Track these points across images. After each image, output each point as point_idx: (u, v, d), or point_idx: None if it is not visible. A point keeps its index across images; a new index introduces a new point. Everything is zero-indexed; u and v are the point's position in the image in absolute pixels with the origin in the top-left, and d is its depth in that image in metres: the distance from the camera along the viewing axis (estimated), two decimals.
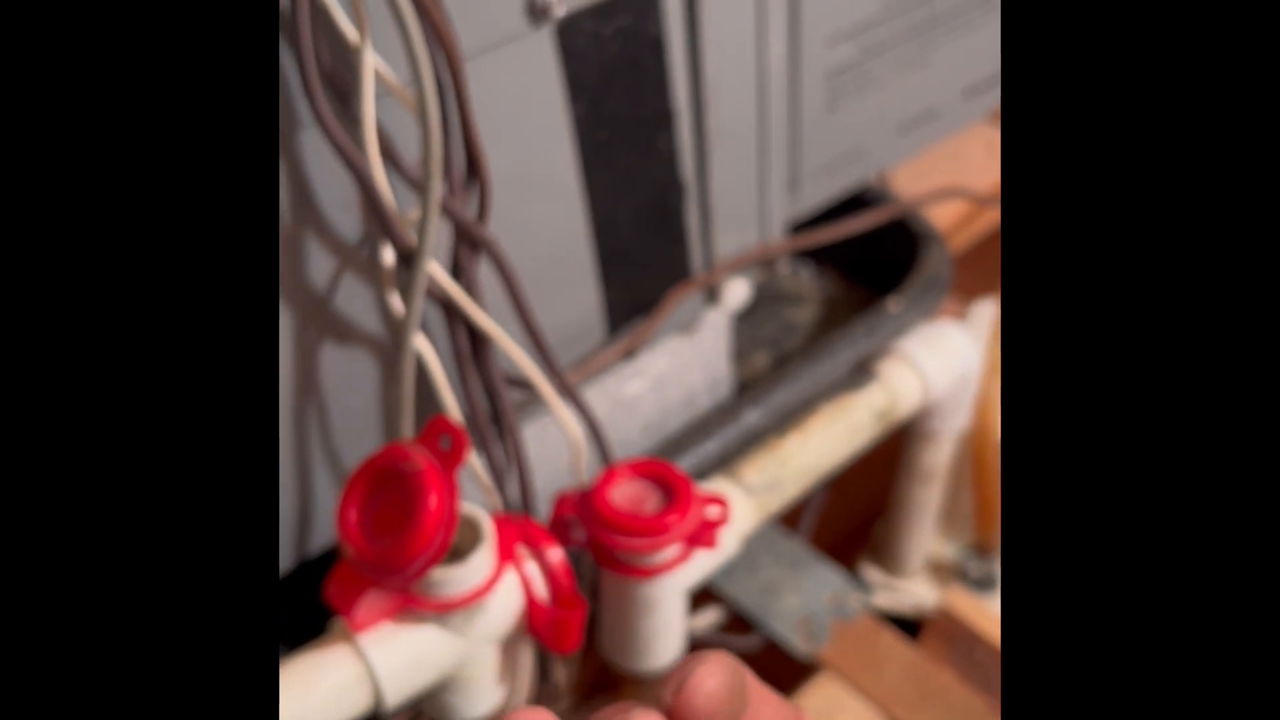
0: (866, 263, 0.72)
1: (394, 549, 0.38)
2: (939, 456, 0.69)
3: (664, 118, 0.50)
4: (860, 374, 0.61)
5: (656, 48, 0.48)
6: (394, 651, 0.41)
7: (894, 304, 0.63)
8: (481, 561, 0.41)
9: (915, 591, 0.75)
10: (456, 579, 0.41)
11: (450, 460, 0.39)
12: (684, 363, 0.60)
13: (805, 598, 0.67)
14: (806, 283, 0.74)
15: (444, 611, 0.42)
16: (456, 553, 0.42)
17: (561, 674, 0.53)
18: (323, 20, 0.37)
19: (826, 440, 0.57)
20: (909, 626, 0.71)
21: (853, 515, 0.88)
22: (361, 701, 0.42)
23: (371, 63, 0.38)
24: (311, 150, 0.40)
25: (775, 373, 0.61)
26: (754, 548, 0.66)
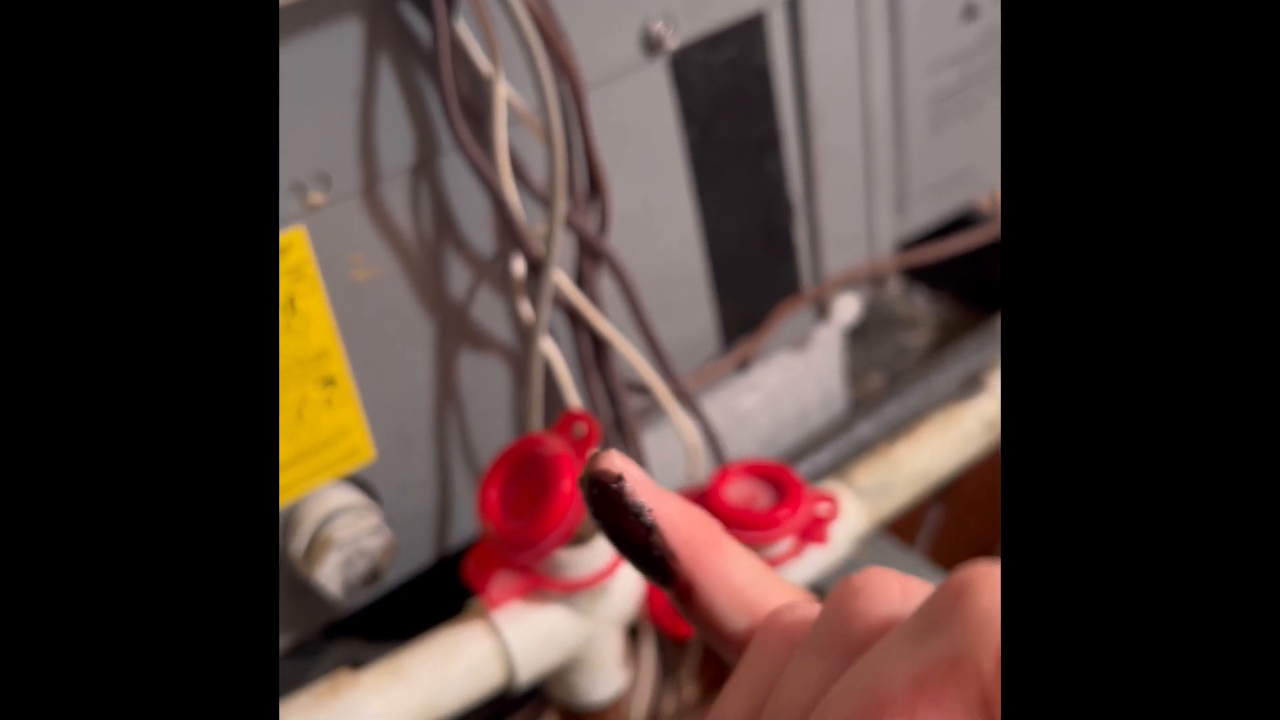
0: (980, 286, 0.74)
1: (530, 525, 0.42)
2: None
3: (771, 142, 0.54)
4: (970, 385, 0.63)
5: (763, 76, 0.52)
6: (526, 628, 0.45)
7: None
8: (604, 544, 0.45)
9: None
10: (582, 560, 0.44)
11: (582, 447, 0.43)
12: (797, 378, 0.63)
13: None
14: (921, 307, 0.76)
15: (570, 591, 0.45)
16: (580, 540, 0.46)
17: (684, 668, 0.55)
18: (460, 54, 0.42)
19: (937, 447, 0.58)
20: None
21: (972, 544, 0.88)
22: (497, 677, 0.45)
23: (504, 92, 0.42)
24: (451, 174, 0.45)
25: (888, 388, 0.63)
26: (869, 563, 0.68)
